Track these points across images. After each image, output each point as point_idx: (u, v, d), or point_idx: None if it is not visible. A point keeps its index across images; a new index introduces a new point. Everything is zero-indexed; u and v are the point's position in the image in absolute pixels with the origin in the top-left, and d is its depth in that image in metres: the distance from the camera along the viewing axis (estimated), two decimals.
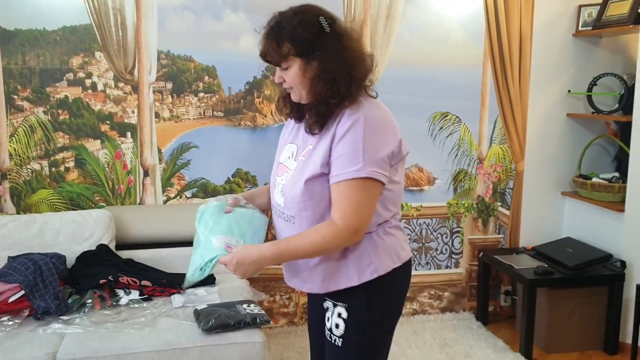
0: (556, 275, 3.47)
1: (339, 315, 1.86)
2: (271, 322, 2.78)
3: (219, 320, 2.63)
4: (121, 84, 3.40)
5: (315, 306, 2.05)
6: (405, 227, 3.81)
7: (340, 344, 1.86)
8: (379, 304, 1.85)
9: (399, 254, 1.88)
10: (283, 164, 1.91)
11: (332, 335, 1.88)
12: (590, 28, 3.77)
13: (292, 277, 1.95)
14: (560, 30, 3.85)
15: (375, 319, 1.86)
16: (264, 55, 1.80)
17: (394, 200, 1.85)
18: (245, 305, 2.80)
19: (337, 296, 1.86)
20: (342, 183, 1.72)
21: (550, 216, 4.03)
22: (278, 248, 1.79)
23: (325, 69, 1.74)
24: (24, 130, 3.30)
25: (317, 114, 1.77)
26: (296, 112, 1.92)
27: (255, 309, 2.77)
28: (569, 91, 3.90)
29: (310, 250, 1.75)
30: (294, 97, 1.84)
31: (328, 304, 1.89)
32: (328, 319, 1.89)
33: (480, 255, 3.91)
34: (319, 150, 1.78)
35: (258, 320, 2.69)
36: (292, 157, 1.89)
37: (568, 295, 3.52)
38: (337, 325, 1.86)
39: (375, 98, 1.85)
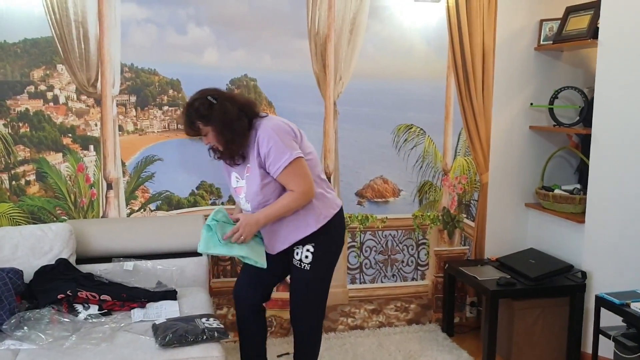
0: (518, 287, 3.50)
1: (308, 250, 2.72)
2: (230, 337, 2.76)
3: (176, 335, 2.61)
4: (84, 97, 3.39)
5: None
6: (370, 239, 3.87)
7: (309, 269, 2.73)
8: (331, 238, 2.76)
9: (334, 205, 2.75)
10: (235, 187, 2.75)
11: (302, 263, 2.74)
12: (551, 42, 3.84)
13: (271, 248, 2.78)
14: (522, 44, 3.91)
15: (330, 249, 2.79)
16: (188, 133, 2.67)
17: (313, 170, 2.66)
18: (204, 319, 2.78)
19: (305, 240, 2.71)
20: (284, 171, 2.53)
21: (514, 227, 4.08)
22: (265, 213, 2.61)
23: (225, 123, 2.53)
24: None
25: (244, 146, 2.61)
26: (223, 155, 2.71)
27: (214, 323, 2.75)
28: (531, 104, 3.96)
29: (283, 210, 2.59)
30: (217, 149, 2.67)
31: (297, 246, 2.74)
32: (297, 254, 2.74)
33: (445, 267, 3.94)
34: (253, 165, 2.61)
35: (216, 334, 2.68)
36: (239, 180, 2.71)
37: (530, 306, 3.55)
38: (306, 257, 2.73)
39: (265, 116, 2.66)
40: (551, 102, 3.87)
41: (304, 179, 2.57)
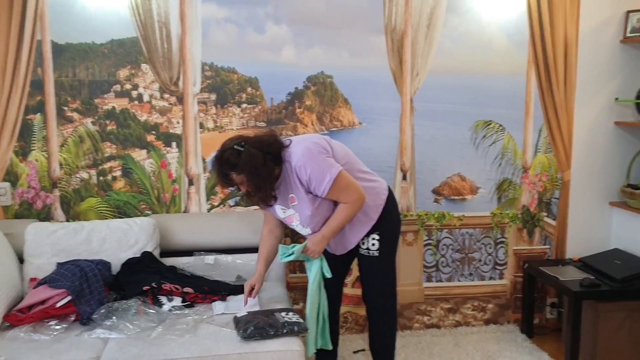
0: (603, 288, 3.37)
1: (374, 239, 2.84)
2: (309, 331, 2.78)
3: (258, 328, 2.66)
4: (166, 95, 3.49)
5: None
6: (447, 237, 3.82)
7: (377, 255, 2.85)
8: (390, 220, 2.88)
9: (382, 191, 2.85)
10: (285, 217, 2.83)
11: (370, 251, 2.86)
12: (639, 34, 3.67)
13: (341, 249, 2.90)
14: (607, 37, 3.77)
15: (393, 231, 2.92)
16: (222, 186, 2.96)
17: (353, 168, 2.77)
18: (284, 313, 2.81)
19: (369, 232, 2.84)
20: (330, 190, 2.62)
21: (597, 227, 3.93)
22: (329, 228, 2.75)
23: (251, 170, 2.57)
24: (73, 140, 3.42)
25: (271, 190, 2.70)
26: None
27: (293, 317, 2.78)
28: (617, 99, 3.81)
29: (344, 222, 2.74)
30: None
31: (363, 239, 2.86)
32: (363, 244, 2.86)
33: (525, 267, 3.84)
34: (298, 193, 2.68)
35: (296, 328, 2.71)
36: (286, 210, 2.79)
37: (616, 308, 3.42)
38: (373, 245, 2.84)
39: (289, 144, 2.70)
40: (638, 97, 3.71)
41: (351, 189, 2.68)
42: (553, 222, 3.93)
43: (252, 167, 2.57)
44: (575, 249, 3.91)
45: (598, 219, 3.93)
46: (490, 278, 3.94)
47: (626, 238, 3.82)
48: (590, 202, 3.91)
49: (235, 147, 2.59)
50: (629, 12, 3.73)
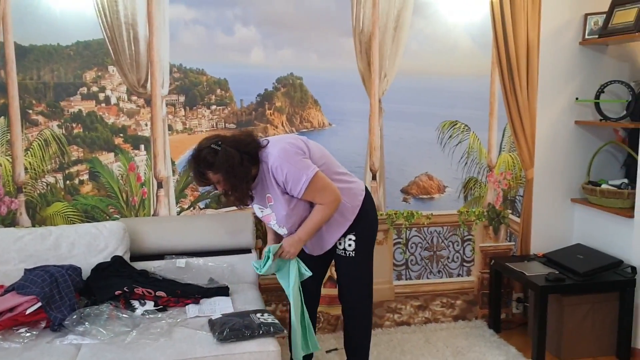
0: (567, 282, 3.48)
1: (350, 239, 2.86)
2: (285, 331, 2.79)
3: (234, 330, 2.66)
4: (134, 98, 3.45)
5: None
6: (416, 236, 3.88)
7: (354, 255, 2.87)
8: (367, 221, 2.89)
9: (359, 192, 2.86)
10: (263, 216, 2.88)
11: (346, 252, 2.88)
12: (597, 36, 3.80)
13: (318, 250, 2.92)
14: (567, 39, 3.88)
15: (369, 231, 2.93)
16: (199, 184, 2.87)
17: (330, 169, 2.78)
18: (259, 315, 2.82)
19: (345, 233, 2.85)
20: (306, 191, 2.64)
21: (560, 223, 4.05)
22: (304, 230, 2.75)
23: (228, 169, 2.60)
24: (38, 144, 3.35)
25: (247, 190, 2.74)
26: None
27: (269, 318, 2.79)
28: (577, 99, 3.93)
29: (320, 223, 2.75)
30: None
31: (340, 239, 2.88)
32: (340, 244, 2.88)
33: (491, 263, 3.93)
34: (274, 193, 2.72)
35: (272, 329, 2.72)
36: (264, 209, 2.83)
37: (579, 301, 3.53)
38: (349, 245, 2.86)
39: (267, 144, 2.72)
40: (597, 97, 3.84)
41: (327, 190, 2.69)
42: (517, 219, 4.03)
43: (229, 167, 2.58)
44: (539, 244, 4.02)
45: (560, 215, 4.05)
46: (458, 275, 4.02)
47: (588, 233, 3.95)
48: (552, 199, 4.03)
49: (212, 146, 2.61)
50: (587, 14, 3.86)
